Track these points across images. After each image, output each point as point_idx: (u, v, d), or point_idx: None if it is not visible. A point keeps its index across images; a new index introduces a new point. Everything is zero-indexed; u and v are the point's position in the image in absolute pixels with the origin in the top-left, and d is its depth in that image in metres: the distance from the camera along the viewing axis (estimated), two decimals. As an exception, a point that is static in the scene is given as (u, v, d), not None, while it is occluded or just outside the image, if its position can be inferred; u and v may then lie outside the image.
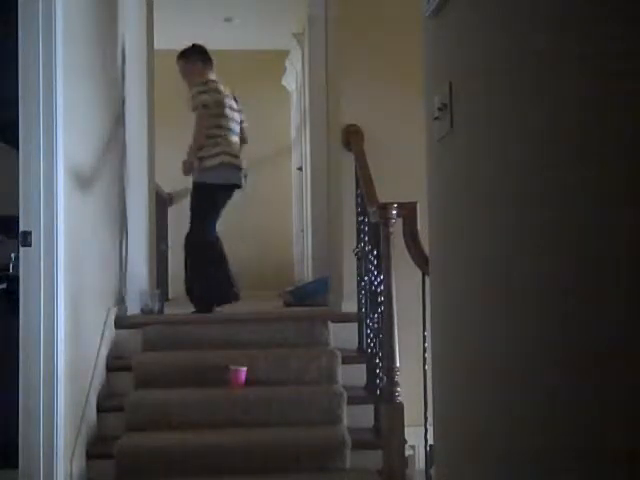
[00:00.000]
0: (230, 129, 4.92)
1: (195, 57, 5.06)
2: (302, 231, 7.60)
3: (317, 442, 3.35)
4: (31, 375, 3.01)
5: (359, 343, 4.02)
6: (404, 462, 3.20)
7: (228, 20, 6.88)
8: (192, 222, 4.85)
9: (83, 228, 3.60)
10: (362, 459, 3.33)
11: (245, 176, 4.98)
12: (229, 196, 4.93)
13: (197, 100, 4.83)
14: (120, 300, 4.43)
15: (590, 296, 1.11)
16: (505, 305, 1.49)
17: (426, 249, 2.60)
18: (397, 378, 3.17)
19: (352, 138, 4.25)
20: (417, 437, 3.18)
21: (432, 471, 2.76)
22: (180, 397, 3.59)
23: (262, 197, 8.26)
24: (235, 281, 4.91)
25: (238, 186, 4.94)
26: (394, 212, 3.21)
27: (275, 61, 8.35)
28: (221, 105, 4.87)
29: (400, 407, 3.16)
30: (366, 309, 3.84)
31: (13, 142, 3.25)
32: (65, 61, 3.15)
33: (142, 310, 4.60)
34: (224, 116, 4.88)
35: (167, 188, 6.99)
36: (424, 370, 2.91)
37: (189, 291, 4.82)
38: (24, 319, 3.03)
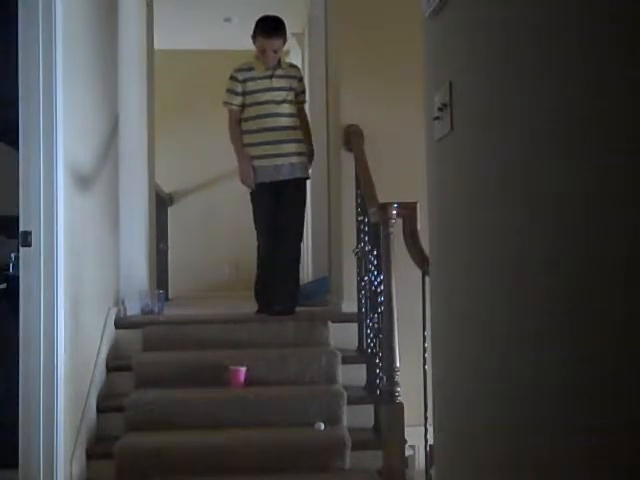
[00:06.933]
0: None
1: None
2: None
3: (317, 442, 3.35)
4: (31, 375, 3.01)
5: (359, 343, 4.02)
6: (404, 462, 3.20)
7: (228, 20, 6.87)
8: (301, 224, 4.46)
9: (83, 228, 3.60)
10: (362, 459, 3.33)
11: None
12: None
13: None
14: (120, 300, 4.43)
15: (591, 295, 1.11)
16: (506, 305, 1.49)
17: (426, 249, 2.60)
18: (397, 378, 3.17)
19: (352, 138, 4.24)
20: (417, 437, 3.18)
21: (432, 471, 2.76)
22: (180, 397, 3.59)
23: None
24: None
25: None
26: (394, 212, 3.21)
27: (275, 61, 8.33)
28: None
29: (400, 407, 3.16)
30: (366, 309, 3.84)
31: (13, 142, 3.25)
32: (65, 61, 3.15)
33: (142, 310, 4.60)
34: None
35: (167, 188, 6.98)
36: (424, 370, 2.91)
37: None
38: (24, 319, 3.03)
